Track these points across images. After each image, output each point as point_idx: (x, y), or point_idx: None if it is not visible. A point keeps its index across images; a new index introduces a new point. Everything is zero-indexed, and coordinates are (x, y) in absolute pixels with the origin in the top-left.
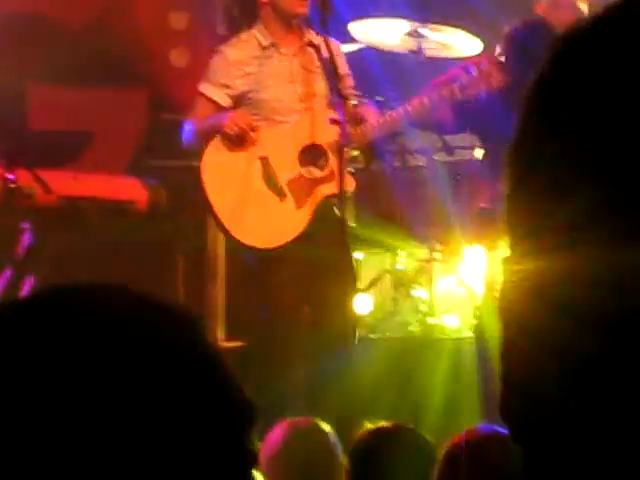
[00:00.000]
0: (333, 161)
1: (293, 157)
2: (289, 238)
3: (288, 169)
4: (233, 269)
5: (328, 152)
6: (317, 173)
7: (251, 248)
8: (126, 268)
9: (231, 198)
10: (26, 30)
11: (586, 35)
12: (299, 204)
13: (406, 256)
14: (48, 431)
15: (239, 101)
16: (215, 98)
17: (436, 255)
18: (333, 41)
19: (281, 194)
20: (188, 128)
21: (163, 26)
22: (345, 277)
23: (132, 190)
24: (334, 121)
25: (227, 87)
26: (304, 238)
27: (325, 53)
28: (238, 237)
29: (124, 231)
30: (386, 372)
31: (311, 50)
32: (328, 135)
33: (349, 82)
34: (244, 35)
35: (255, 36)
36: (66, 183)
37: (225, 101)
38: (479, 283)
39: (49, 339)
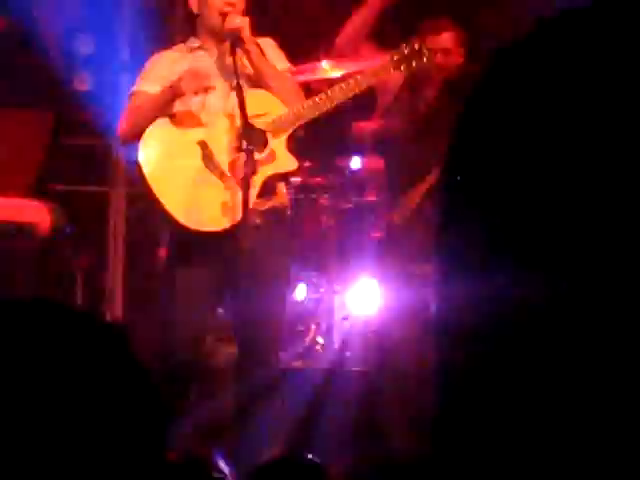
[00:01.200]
0: (273, 142)
1: (232, 139)
2: (234, 220)
3: (227, 152)
4: (131, 292)
5: (266, 133)
6: (257, 155)
7: (201, 233)
8: (26, 287)
9: (172, 184)
10: None
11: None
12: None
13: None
14: None
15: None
16: (152, 91)
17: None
18: (263, 40)
19: (222, 175)
20: (129, 117)
21: (67, 49)
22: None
23: (33, 212)
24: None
25: (159, 81)
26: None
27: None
28: (187, 223)
29: (24, 253)
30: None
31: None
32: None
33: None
34: (177, 46)
35: (185, 43)
36: None
37: (158, 91)
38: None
39: None
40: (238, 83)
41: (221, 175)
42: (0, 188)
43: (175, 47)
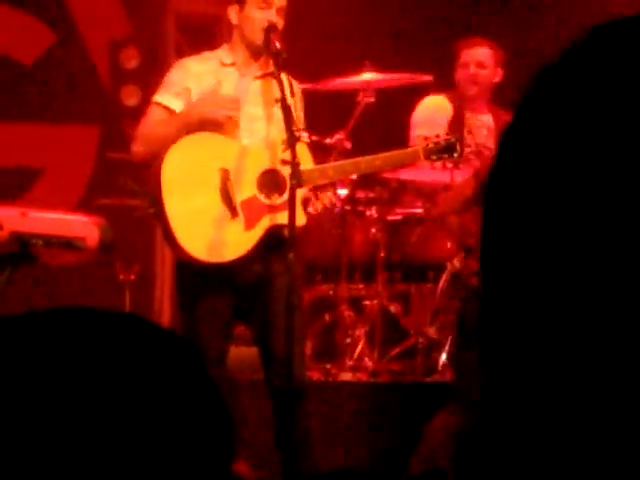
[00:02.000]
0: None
1: (252, 177)
2: (231, 257)
3: (245, 188)
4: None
5: (287, 181)
6: (272, 200)
7: (191, 258)
8: (74, 301)
9: (185, 204)
10: None
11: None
12: (248, 226)
13: None
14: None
15: None
16: (172, 107)
17: None
18: (296, 84)
19: (234, 211)
20: (144, 133)
21: (114, 63)
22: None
23: (82, 227)
24: (285, 162)
25: (184, 98)
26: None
27: (287, 90)
28: (183, 244)
29: (73, 267)
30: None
31: (274, 82)
32: (283, 168)
33: (302, 124)
34: (207, 53)
35: (218, 54)
36: (16, 219)
37: (181, 106)
38: None
39: (49, 356)
40: (283, 96)
41: (232, 211)
42: (49, 203)
43: (205, 56)
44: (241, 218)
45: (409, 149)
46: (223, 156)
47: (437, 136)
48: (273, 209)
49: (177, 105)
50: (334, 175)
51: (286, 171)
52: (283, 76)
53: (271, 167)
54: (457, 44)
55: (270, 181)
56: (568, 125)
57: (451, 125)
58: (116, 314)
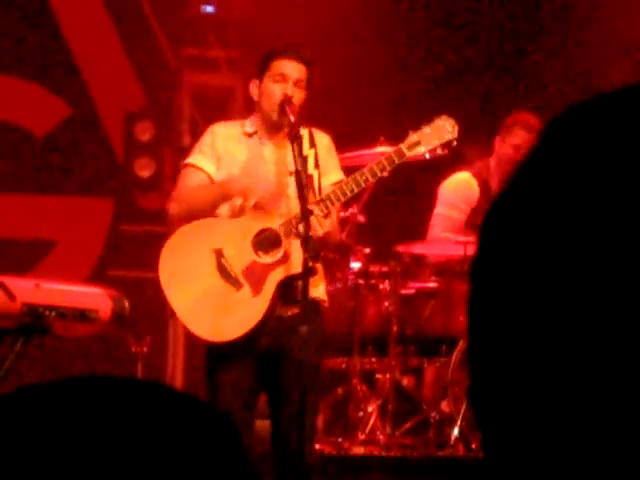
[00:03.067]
0: (286, 244)
1: (246, 244)
2: (249, 328)
3: (242, 257)
4: (192, 381)
5: (280, 235)
6: (270, 258)
7: (210, 343)
8: (87, 373)
9: (188, 295)
10: None
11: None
12: (256, 291)
13: None
14: None
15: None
16: (205, 168)
17: None
18: (319, 133)
19: (237, 284)
20: (182, 195)
21: (128, 136)
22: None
23: (95, 299)
24: (299, 235)
25: (214, 160)
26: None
27: (305, 147)
28: (197, 333)
29: (85, 339)
30: None
31: (290, 152)
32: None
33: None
34: (234, 121)
35: (243, 123)
36: (29, 290)
37: (215, 174)
38: None
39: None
40: (297, 169)
41: (235, 284)
42: (62, 274)
43: (231, 122)
44: (246, 287)
45: (392, 152)
46: (212, 237)
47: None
48: (276, 264)
49: (209, 167)
50: (321, 208)
51: (276, 226)
52: (304, 131)
53: (261, 228)
54: (514, 117)
55: (264, 240)
56: (558, 202)
57: (479, 203)
58: (149, 384)
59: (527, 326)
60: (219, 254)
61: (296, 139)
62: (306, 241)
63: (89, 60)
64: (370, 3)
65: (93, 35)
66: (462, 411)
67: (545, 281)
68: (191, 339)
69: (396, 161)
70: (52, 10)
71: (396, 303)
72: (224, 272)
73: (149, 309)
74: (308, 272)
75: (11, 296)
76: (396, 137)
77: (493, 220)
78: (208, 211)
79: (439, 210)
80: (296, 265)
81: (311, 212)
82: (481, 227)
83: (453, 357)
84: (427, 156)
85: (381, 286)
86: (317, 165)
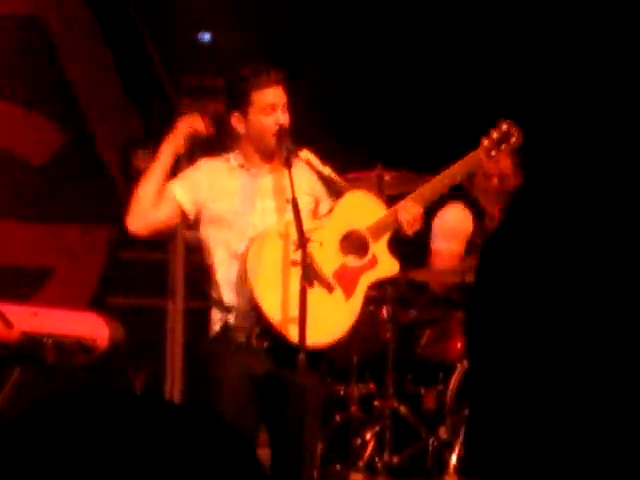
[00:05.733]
0: (374, 246)
1: (334, 248)
2: (345, 330)
3: (332, 260)
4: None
5: (367, 238)
6: (358, 262)
7: (315, 348)
8: None
9: (283, 303)
10: None
11: None
12: (348, 294)
13: None
14: None
15: (199, 209)
16: (175, 193)
17: None
18: (305, 151)
19: (329, 287)
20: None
21: (126, 164)
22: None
23: (93, 327)
24: (295, 263)
25: (190, 190)
26: None
27: (316, 164)
28: (296, 340)
29: (83, 366)
30: None
31: (285, 178)
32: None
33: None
34: (220, 156)
35: (228, 157)
36: (27, 319)
37: (184, 200)
38: None
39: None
40: (294, 197)
41: (327, 287)
42: (60, 302)
43: (217, 157)
44: (338, 290)
45: (469, 157)
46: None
47: (490, 131)
48: (366, 267)
49: (180, 193)
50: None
51: (363, 228)
52: (309, 154)
53: (348, 230)
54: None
55: (353, 243)
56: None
57: (474, 233)
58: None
59: (522, 349)
60: (309, 257)
61: (301, 161)
62: (304, 269)
63: (87, 88)
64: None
65: (90, 63)
66: (460, 438)
67: (533, 308)
68: (191, 366)
69: (473, 167)
70: (50, 37)
71: (394, 330)
72: (315, 275)
73: (148, 336)
74: (305, 298)
75: (9, 324)
76: (394, 162)
77: (488, 254)
78: (154, 193)
79: (439, 245)
80: (385, 268)
81: (308, 239)
82: (478, 260)
83: (451, 384)
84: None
85: (379, 313)
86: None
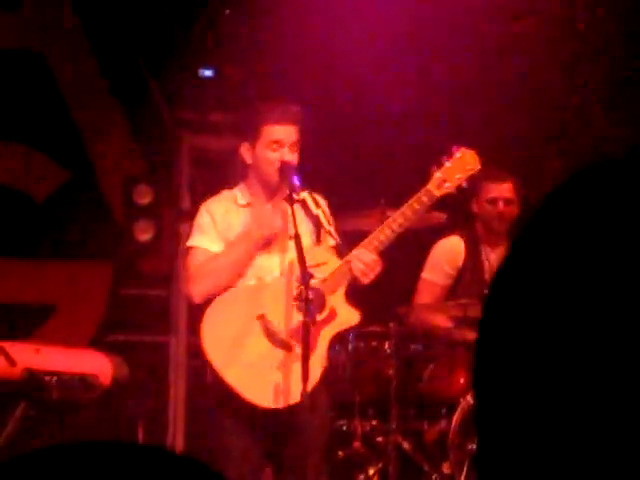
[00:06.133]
0: (331, 300)
1: (289, 305)
2: (310, 388)
3: (288, 319)
4: (193, 447)
5: (323, 292)
6: (318, 317)
7: (273, 410)
8: (87, 437)
9: (241, 365)
10: None
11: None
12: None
13: None
14: None
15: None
16: (211, 249)
17: None
18: (317, 196)
19: (287, 347)
20: (200, 272)
21: (127, 200)
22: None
23: (95, 364)
24: (297, 299)
25: (218, 237)
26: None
27: (312, 208)
28: (260, 403)
29: (86, 406)
30: None
31: (289, 216)
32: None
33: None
34: (225, 192)
35: (234, 194)
36: (30, 356)
37: (220, 248)
38: None
39: None
40: (297, 233)
41: (286, 347)
42: (62, 339)
43: (223, 195)
44: (298, 348)
45: (420, 193)
46: (252, 304)
47: (442, 161)
48: (324, 322)
49: (213, 246)
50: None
51: (317, 283)
52: (304, 194)
53: (302, 287)
54: (480, 177)
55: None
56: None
57: (465, 265)
58: (150, 449)
59: (531, 387)
60: (263, 319)
61: (296, 202)
62: (306, 304)
63: (88, 124)
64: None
65: (92, 99)
66: (464, 473)
67: (545, 345)
68: (194, 403)
69: (427, 203)
70: (52, 75)
71: (396, 365)
72: (273, 337)
73: (150, 373)
74: (308, 334)
75: (11, 361)
76: (397, 200)
77: (497, 288)
78: (235, 274)
79: (425, 275)
80: (344, 320)
81: (311, 276)
82: (487, 293)
83: (454, 419)
84: (453, 190)
85: (381, 348)
86: (329, 222)
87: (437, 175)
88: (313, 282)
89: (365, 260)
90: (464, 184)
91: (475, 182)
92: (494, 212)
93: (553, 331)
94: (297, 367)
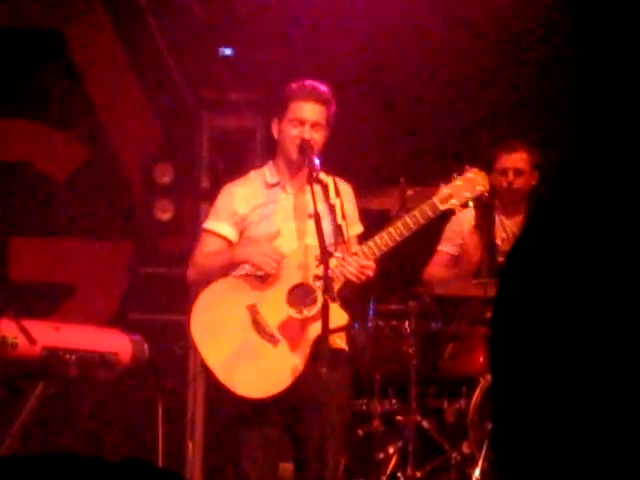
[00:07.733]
0: (322, 298)
1: (281, 300)
2: (286, 384)
3: (277, 312)
4: (212, 427)
5: (316, 290)
6: (306, 312)
7: (250, 400)
8: (107, 424)
9: (224, 352)
10: (9, 181)
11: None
12: (293, 346)
13: None
14: None
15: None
16: (223, 233)
17: None
18: (343, 183)
19: (273, 339)
20: (199, 262)
21: (147, 179)
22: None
23: (115, 342)
24: (318, 277)
25: (233, 223)
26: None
27: (331, 196)
28: (234, 389)
29: (106, 384)
30: None
31: (317, 189)
32: (316, 270)
33: (353, 230)
34: (253, 174)
35: (263, 174)
36: (49, 334)
37: (234, 237)
38: None
39: None
40: (316, 211)
41: (272, 340)
42: (83, 317)
43: (250, 177)
44: (283, 342)
45: (426, 205)
46: (245, 293)
47: (453, 178)
48: (312, 319)
49: (227, 231)
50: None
51: (311, 280)
52: (329, 179)
53: (296, 282)
54: (495, 148)
55: (299, 296)
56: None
57: (472, 233)
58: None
59: (547, 366)
60: (254, 310)
61: (316, 182)
62: (326, 283)
63: (108, 103)
64: (401, 41)
65: (112, 78)
66: (483, 452)
67: (559, 324)
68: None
69: (430, 215)
70: (71, 54)
71: (416, 344)
72: (259, 328)
73: (169, 352)
74: (327, 312)
75: (31, 340)
76: (417, 179)
77: (511, 268)
78: (220, 277)
79: (440, 247)
80: (333, 320)
81: (331, 254)
82: (500, 273)
83: (474, 398)
84: (458, 209)
85: (401, 327)
86: (344, 216)
87: (445, 190)
88: (332, 260)
89: (361, 263)
90: (470, 203)
91: (494, 155)
92: (504, 182)
93: (568, 310)
94: (281, 360)
